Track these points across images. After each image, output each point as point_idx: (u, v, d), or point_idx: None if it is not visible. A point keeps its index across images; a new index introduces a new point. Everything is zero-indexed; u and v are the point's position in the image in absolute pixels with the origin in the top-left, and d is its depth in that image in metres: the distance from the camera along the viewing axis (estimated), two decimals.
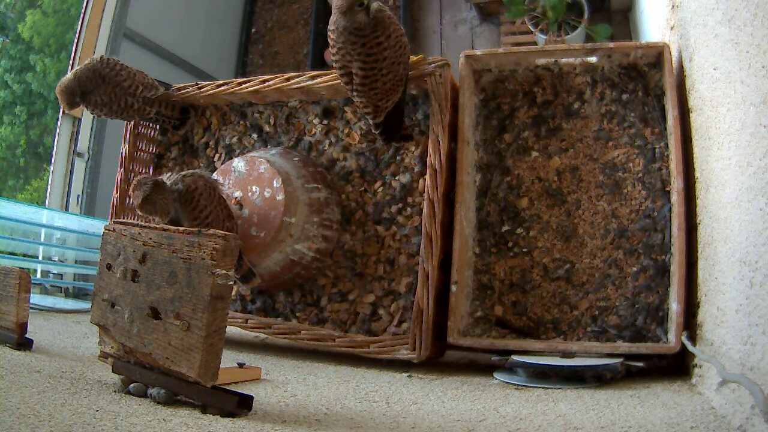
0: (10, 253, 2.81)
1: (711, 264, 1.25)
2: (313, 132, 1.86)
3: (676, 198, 1.46)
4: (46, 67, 7.95)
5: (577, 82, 1.69)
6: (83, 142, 3.30)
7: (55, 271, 3.06)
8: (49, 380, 1.11)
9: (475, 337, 1.58)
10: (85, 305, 2.49)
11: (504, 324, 1.61)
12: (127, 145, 2.06)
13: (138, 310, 1.07)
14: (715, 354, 1.15)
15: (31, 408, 0.91)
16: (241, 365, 1.33)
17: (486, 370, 1.54)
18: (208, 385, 0.98)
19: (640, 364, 1.36)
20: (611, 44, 1.64)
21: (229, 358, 1.51)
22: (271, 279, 1.72)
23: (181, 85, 2.03)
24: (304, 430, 0.94)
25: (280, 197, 1.64)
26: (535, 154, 1.69)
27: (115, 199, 2.05)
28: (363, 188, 1.76)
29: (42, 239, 2.93)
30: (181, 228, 1.06)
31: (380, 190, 1.74)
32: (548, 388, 1.32)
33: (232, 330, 1.86)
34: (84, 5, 3.41)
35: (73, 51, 3.35)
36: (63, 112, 3.23)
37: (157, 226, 1.10)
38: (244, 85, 1.88)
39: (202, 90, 1.96)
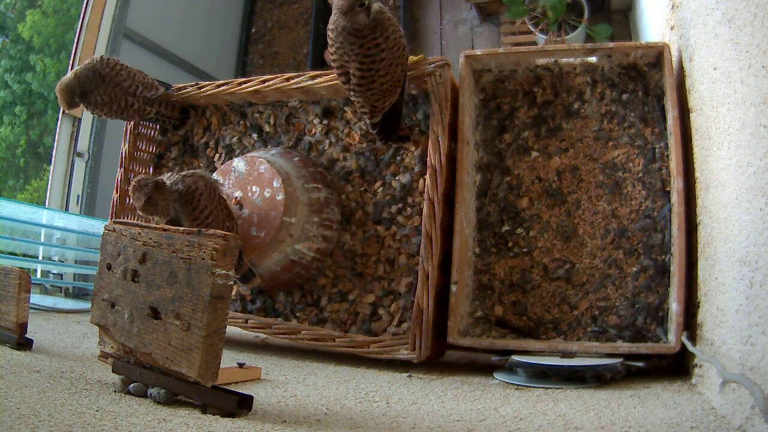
0: (10, 253, 2.81)
1: (711, 264, 1.24)
2: (313, 132, 1.86)
3: (676, 198, 1.46)
4: (46, 67, 7.96)
5: (577, 82, 1.69)
6: (83, 142, 3.30)
7: (55, 271, 3.06)
8: (49, 380, 1.11)
9: (475, 337, 1.58)
10: (85, 305, 2.49)
11: (504, 324, 1.61)
12: (127, 145, 2.06)
13: (138, 310, 1.07)
14: (715, 354, 1.15)
15: (31, 408, 0.91)
16: (241, 365, 1.33)
17: (486, 370, 1.54)
18: (208, 385, 0.98)
19: (640, 364, 1.36)
20: (611, 44, 1.64)
21: (229, 358, 1.51)
22: (271, 279, 1.72)
23: (181, 85, 2.03)
24: (304, 430, 0.94)
25: (280, 197, 1.64)
26: (535, 154, 1.69)
27: (115, 199, 2.05)
28: (363, 188, 1.76)
29: (42, 239, 2.93)
30: (181, 228, 1.06)
31: (380, 190, 1.74)
32: (548, 388, 1.32)
33: (232, 330, 1.86)
34: (84, 5, 3.41)
35: (73, 51, 3.35)
36: (63, 112, 3.23)
37: (157, 226, 1.10)
38: (244, 85, 1.88)
39: (202, 90, 1.96)
